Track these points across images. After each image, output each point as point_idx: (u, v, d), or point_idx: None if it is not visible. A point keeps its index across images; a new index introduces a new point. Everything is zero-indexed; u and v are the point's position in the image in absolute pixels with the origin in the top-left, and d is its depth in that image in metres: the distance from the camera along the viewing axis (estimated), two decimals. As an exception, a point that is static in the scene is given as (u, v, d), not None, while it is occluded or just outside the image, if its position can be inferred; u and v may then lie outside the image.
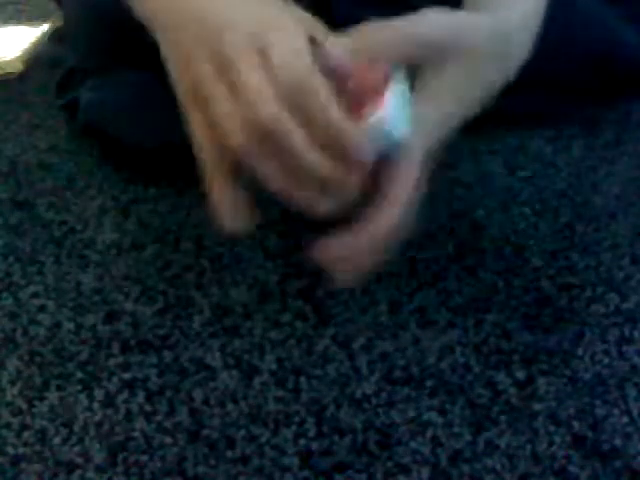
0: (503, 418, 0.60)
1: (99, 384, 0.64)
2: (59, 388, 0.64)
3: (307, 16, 0.55)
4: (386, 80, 0.53)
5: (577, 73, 0.87)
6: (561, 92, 0.87)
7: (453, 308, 0.69)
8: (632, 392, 0.62)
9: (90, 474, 0.58)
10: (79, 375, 0.65)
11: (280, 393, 0.63)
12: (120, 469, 0.58)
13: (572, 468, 0.57)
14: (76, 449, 0.59)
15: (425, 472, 0.57)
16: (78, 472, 0.58)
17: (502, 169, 0.84)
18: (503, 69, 0.61)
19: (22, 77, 1.06)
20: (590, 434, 0.59)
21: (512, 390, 0.62)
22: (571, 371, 0.63)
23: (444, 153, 0.59)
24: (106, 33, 0.82)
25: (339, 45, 0.53)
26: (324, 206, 0.53)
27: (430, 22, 0.56)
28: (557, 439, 0.59)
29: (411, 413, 0.61)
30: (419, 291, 0.70)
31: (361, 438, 0.59)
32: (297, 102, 0.50)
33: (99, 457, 0.59)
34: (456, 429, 0.60)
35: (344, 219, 0.54)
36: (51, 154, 0.90)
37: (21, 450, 0.59)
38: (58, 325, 0.69)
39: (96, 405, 0.62)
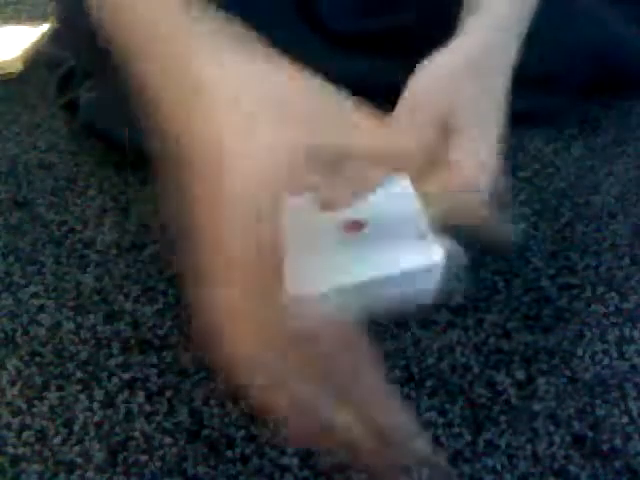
0: (503, 418, 0.60)
1: (99, 384, 0.64)
2: (59, 388, 0.64)
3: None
4: None
5: (577, 73, 0.87)
6: (561, 92, 0.87)
7: (453, 308, 0.69)
8: (632, 392, 0.62)
9: (90, 474, 0.58)
10: (79, 375, 0.65)
11: (280, 393, 0.63)
12: (120, 469, 0.58)
13: (572, 468, 0.57)
14: (76, 449, 0.59)
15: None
16: (78, 472, 0.58)
17: (502, 169, 0.83)
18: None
19: (22, 77, 1.06)
20: (590, 434, 0.59)
21: (512, 390, 0.62)
22: (571, 371, 0.63)
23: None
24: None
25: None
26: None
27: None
28: (557, 439, 0.59)
29: (411, 413, 0.61)
30: (419, 291, 0.70)
31: (361, 438, 0.59)
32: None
33: (99, 457, 0.59)
34: (456, 429, 0.60)
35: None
36: (51, 154, 0.90)
37: (21, 450, 0.59)
38: (58, 325, 0.69)
39: (96, 405, 0.62)
